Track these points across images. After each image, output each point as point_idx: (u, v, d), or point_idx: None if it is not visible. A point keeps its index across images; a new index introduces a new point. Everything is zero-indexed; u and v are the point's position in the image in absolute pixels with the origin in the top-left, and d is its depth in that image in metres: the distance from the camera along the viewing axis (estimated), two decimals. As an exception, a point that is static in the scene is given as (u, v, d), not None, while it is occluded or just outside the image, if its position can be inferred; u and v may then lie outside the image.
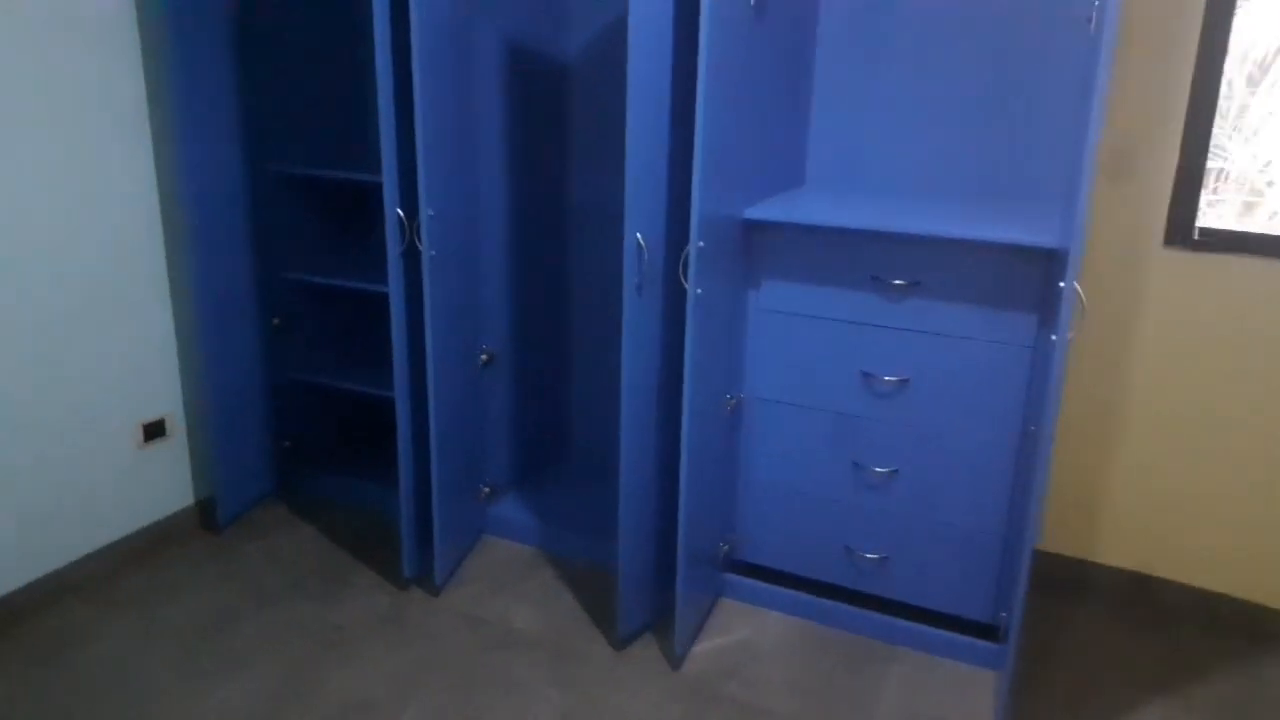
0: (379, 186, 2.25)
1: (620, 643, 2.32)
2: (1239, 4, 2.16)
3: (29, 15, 2.22)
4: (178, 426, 2.76)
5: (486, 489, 2.78)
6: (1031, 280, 2.03)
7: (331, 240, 3.02)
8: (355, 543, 2.77)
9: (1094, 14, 1.76)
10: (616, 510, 2.20)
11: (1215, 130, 2.26)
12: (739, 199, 2.17)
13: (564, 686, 2.19)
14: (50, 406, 2.40)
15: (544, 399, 3.04)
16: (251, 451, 2.89)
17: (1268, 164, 2.35)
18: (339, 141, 2.91)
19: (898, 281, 2.14)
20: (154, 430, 2.69)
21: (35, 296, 2.33)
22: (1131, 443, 2.49)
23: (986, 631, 2.27)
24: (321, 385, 2.95)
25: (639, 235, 2.02)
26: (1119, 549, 2.57)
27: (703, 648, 2.33)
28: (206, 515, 2.83)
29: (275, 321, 2.87)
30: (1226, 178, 2.38)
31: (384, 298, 2.34)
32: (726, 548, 2.46)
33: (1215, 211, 2.36)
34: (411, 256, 2.30)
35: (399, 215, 2.27)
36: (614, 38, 2.71)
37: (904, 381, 2.19)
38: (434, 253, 2.25)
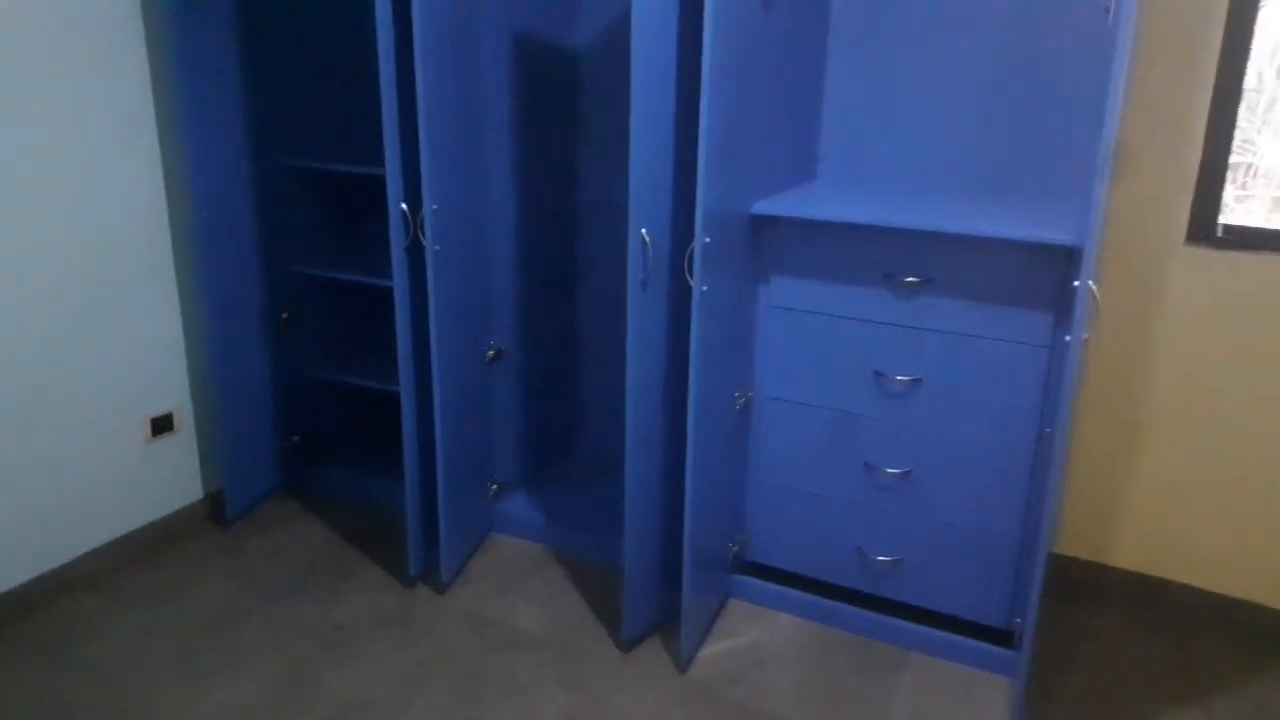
0: (386, 180, 2.23)
1: (626, 644, 2.29)
2: (1267, -7, 2.10)
3: (33, 10, 2.21)
4: (185, 421, 2.76)
5: (495, 486, 2.76)
6: (1047, 278, 1.97)
7: (339, 234, 3.00)
8: (362, 539, 2.75)
9: (1112, 4, 1.70)
10: (623, 509, 2.16)
11: (1243, 124, 2.19)
12: (747, 194, 2.13)
13: (568, 688, 2.16)
14: (57, 402, 2.40)
15: (553, 395, 3.01)
16: (259, 446, 2.88)
17: (1297, 158, 2.28)
18: (347, 134, 2.89)
19: (910, 279, 2.09)
20: (161, 425, 2.68)
21: (42, 292, 2.32)
22: (1150, 445, 2.43)
23: (1000, 637, 2.22)
24: (330, 380, 2.94)
25: (644, 231, 1.98)
26: (1136, 553, 2.51)
27: (710, 650, 2.29)
28: (214, 510, 2.82)
29: (283, 316, 2.86)
30: (1256, 173, 2.31)
31: (392, 292, 2.32)
32: (736, 548, 2.42)
33: (1244, 207, 2.29)
34: (416, 251, 2.27)
35: (403, 209, 2.25)
36: (624, 29, 2.63)
37: (916, 381, 2.15)
38: (438, 247, 2.23)
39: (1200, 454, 2.38)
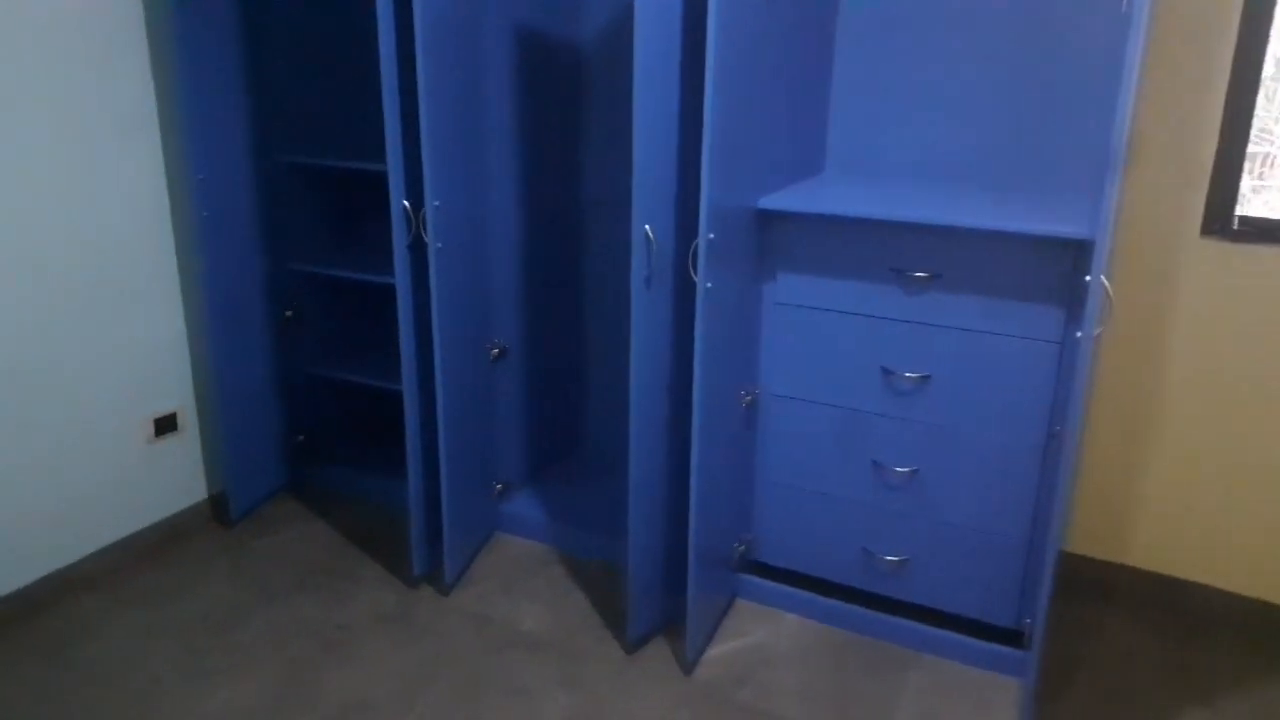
0: (388, 177, 2.21)
1: (631, 645, 2.26)
2: (1284, -21, 2.05)
3: (34, 9, 2.19)
4: (189, 421, 2.74)
5: (499, 485, 2.74)
6: (1059, 273, 1.93)
7: (344, 232, 2.98)
8: (367, 538, 2.73)
9: (1126, -9, 1.66)
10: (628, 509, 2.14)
11: (1260, 113, 2.14)
12: (752, 188, 2.10)
13: (572, 690, 2.14)
14: (59, 402, 2.39)
15: (558, 393, 2.99)
16: (264, 445, 2.86)
17: (1314, 149, 2.23)
18: (350, 131, 2.87)
19: (919, 274, 2.06)
20: (165, 425, 2.67)
21: (44, 292, 2.31)
22: (1164, 442, 2.39)
23: (1010, 637, 2.19)
24: (334, 378, 2.92)
25: (647, 227, 1.95)
26: (1149, 552, 2.47)
27: (716, 651, 2.27)
28: (219, 510, 2.81)
29: (287, 314, 2.84)
30: (1273, 163, 2.26)
31: (395, 289, 2.30)
32: (742, 548, 2.40)
33: (1261, 199, 2.25)
34: (419, 249, 2.25)
35: (405, 207, 2.22)
36: (627, 23, 2.63)
37: (925, 378, 2.11)
38: (440, 245, 2.20)
39: (1214, 452, 2.34)
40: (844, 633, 2.33)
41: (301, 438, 2.98)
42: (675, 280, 2.07)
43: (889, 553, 2.25)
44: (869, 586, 2.32)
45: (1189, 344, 2.31)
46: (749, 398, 2.26)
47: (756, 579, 2.43)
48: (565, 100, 2.75)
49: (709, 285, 1.92)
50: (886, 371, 2.14)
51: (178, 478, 2.73)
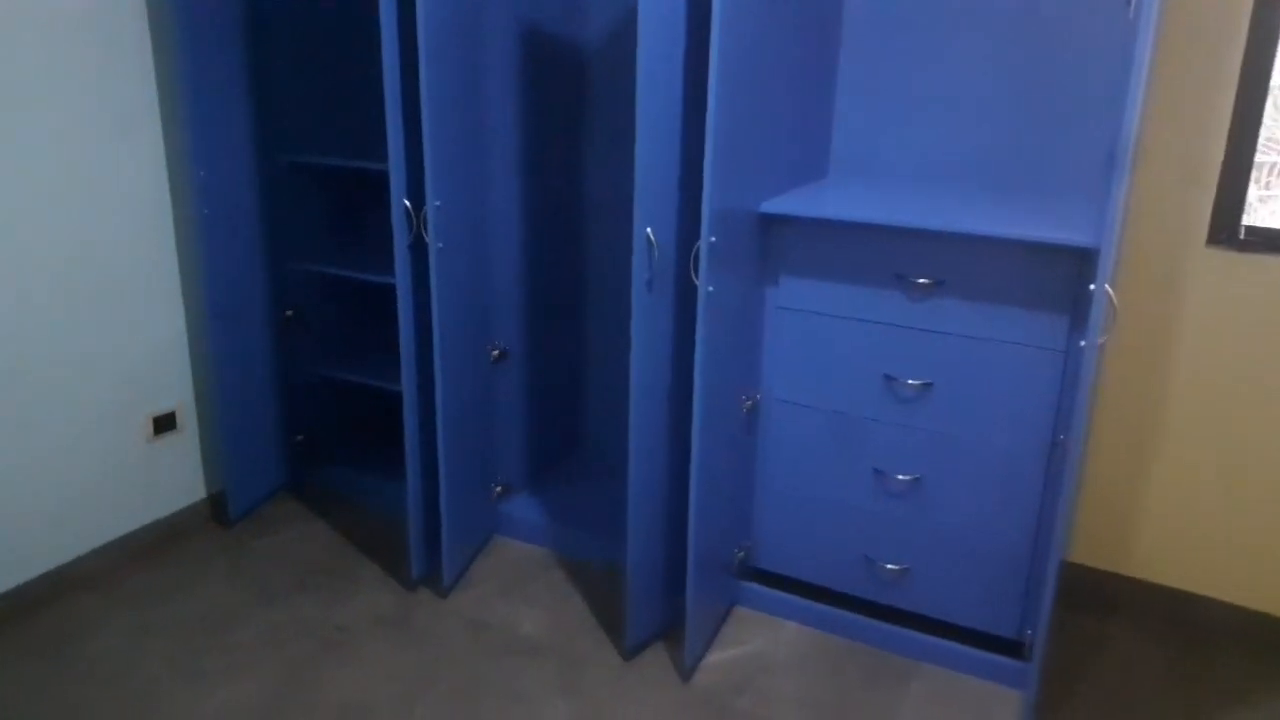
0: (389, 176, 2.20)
1: (629, 651, 2.25)
2: (1294, -13, 2.03)
3: (37, 6, 2.19)
4: (188, 420, 2.73)
5: (499, 488, 2.73)
6: (1063, 280, 1.92)
7: (346, 231, 2.97)
8: (366, 540, 2.72)
9: (1134, -3, 1.65)
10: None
11: (1268, 122, 2.12)
12: (755, 192, 2.08)
13: (569, 696, 2.13)
14: (58, 400, 2.38)
15: (559, 396, 2.97)
16: (263, 445, 2.85)
17: (1322, 158, 2.21)
18: (353, 130, 2.86)
19: (922, 280, 2.04)
20: (164, 423, 2.66)
21: (44, 290, 2.30)
22: (1169, 451, 2.37)
23: (1011, 648, 2.17)
24: (335, 378, 2.91)
25: (649, 230, 1.94)
26: (1154, 563, 2.45)
27: (715, 658, 2.25)
28: (218, 509, 2.80)
29: (288, 313, 2.83)
30: (1279, 172, 2.24)
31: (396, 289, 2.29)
32: (742, 554, 2.38)
33: (1267, 208, 2.23)
34: (420, 249, 2.24)
35: (406, 206, 2.21)
36: (630, 24, 2.62)
37: (928, 385, 2.10)
38: (441, 245, 2.19)
39: (1219, 463, 2.32)
40: (844, 641, 2.31)
41: (301, 438, 2.97)
42: (677, 283, 2.06)
43: (890, 561, 2.24)
44: (870, 595, 2.30)
45: (1194, 354, 2.29)
46: (750, 402, 2.25)
47: (756, 586, 2.41)
48: (567, 100, 2.74)
49: (710, 289, 1.91)
50: (888, 378, 2.13)
51: (176, 477, 2.73)
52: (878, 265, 2.08)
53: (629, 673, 2.20)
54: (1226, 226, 2.18)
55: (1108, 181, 1.63)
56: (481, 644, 2.29)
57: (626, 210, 1.96)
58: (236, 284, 2.66)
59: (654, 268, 1.97)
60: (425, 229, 2.18)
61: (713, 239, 1.88)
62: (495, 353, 2.58)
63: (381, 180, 2.28)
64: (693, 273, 1.93)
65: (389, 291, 2.34)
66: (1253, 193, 2.17)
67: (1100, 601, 2.48)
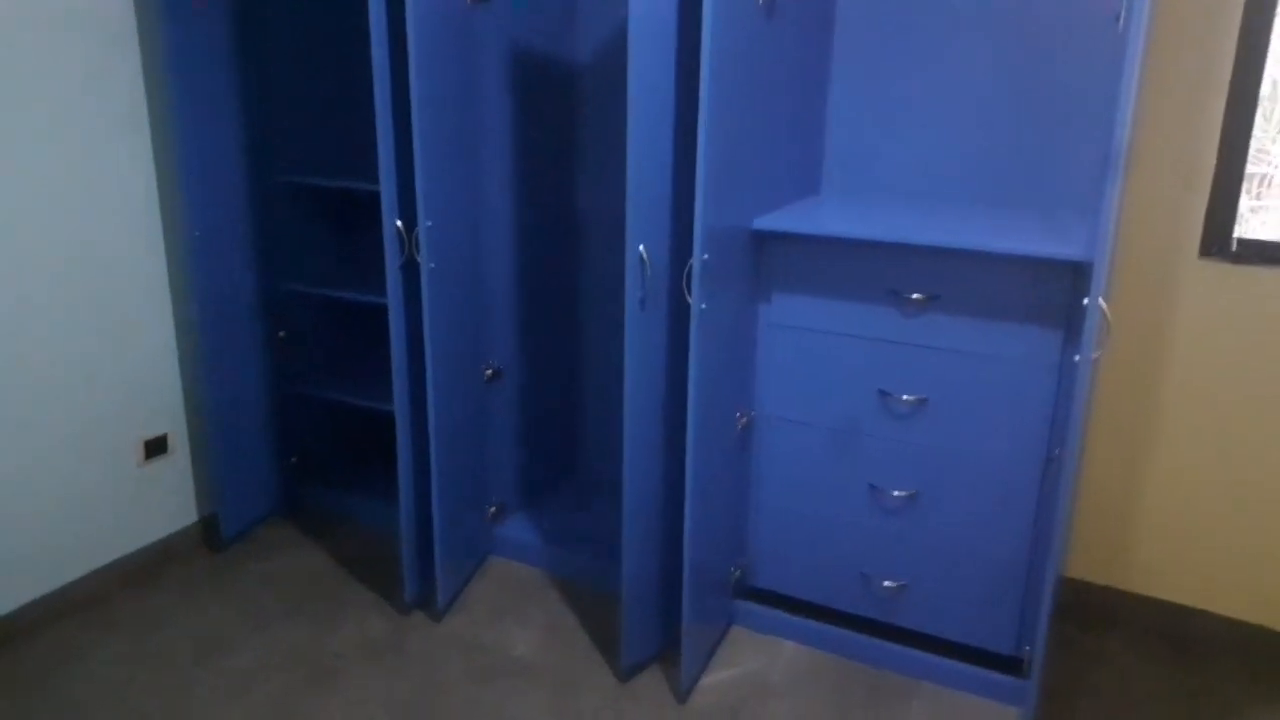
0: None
1: (625, 673, 2.22)
2: (1281, 0, 2.04)
3: (29, 27, 2.18)
4: (180, 443, 2.71)
5: (493, 508, 2.71)
6: (1057, 294, 1.91)
7: (338, 251, 2.97)
8: (360, 562, 2.70)
9: (1122, 11, 1.65)
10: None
11: (1258, 133, 2.13)
12: (747, 209, 2.08)
13: (565, 719, 2.10)
14: (48, 422, 2.36)
15: (553, 415, 2.96)
16: (256, 468, 2.83)
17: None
18: (345, 150, 2.86)
19: (916, 295, 2.04)
20: (156, 447, 2.64)
21: (34, 310, 2.29)
22: (1164, 465, 2.36)
23: (1010, 665, 2.15)
24: (328, 400, 2.89)
25: (642, 248, 1.93)
26: (1149, 577, 2.44)
27: (711, 679, 2.23)
28: (210, 533, 2.77)
29: (280, 334, 2.82)
30: (1271, 184, 2.25)
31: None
32: (738, 573, 2.36)
33: (1259, 219, 2.23)
34: (412, 269, 2.23)
35: (398, 226, 2.21)
36: (622, 42, 2.63)
37: (922, 401, 2.09)
38: (433, 265, 2.18)
39: (1215, 476, 2.31)
40: (842, 660, 2.29)
41: (294, 459, 2.95)
42: (670, 301, 2.05)
43: (887, 578, 2.22)
44: (867, 612, 2.28)
45: (1187, 366, 2.28)
46: (744, 420, 2.23)
47: (752, 605, 2.39)
48: (560, 119, 2.74)
49: (704, 306, 1.90)
50: (883, 394, 2.12)
51: (168, 500, 2.70)
52: (871, 281, 2.08)
53: (625, 695, 2.18)
54: (1219, 238, 2.18)
55: (1100, 196, 1.63)
56: (475, 668, 2.27)
57: (619, 228, 1.95)
58: (228, 305, 2.64)
59: (647, 286, 1.97)
60: (417, 249, 2.18)
61: (705, 257, 1.87)
62: (489, 372, 2.57)
63: (374, 201, 2.28)
64: (686, 290, 1.92)
65: (382, 312, 2.33)
66: (1244, 204, 2.17)
67: (1098, 616, 2.47)
